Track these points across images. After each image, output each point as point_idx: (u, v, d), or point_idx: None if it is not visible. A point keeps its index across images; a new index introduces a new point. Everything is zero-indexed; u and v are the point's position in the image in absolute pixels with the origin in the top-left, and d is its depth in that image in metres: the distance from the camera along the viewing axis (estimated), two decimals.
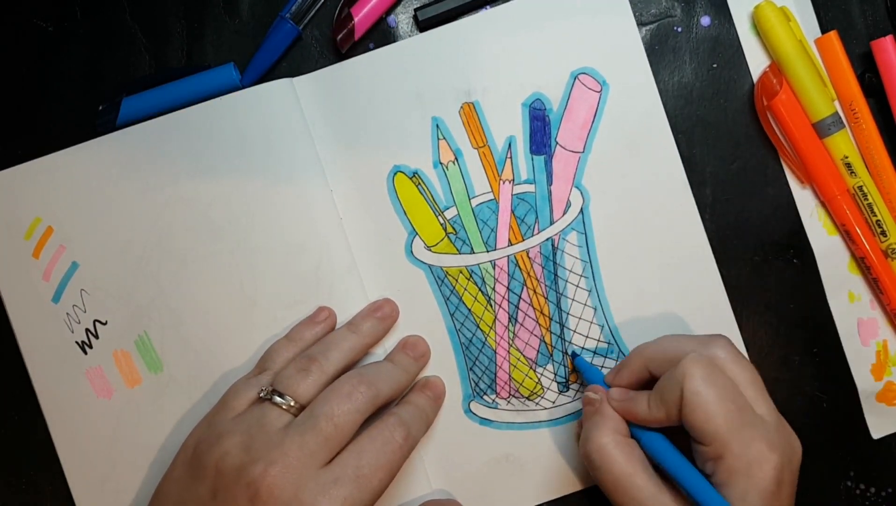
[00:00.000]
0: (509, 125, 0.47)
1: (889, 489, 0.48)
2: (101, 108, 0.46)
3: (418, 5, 0.47)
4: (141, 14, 0.47)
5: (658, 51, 0.47)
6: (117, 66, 0.47)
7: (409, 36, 0.47)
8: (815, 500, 0.48)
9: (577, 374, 0.47)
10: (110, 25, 0.48)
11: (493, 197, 0.47)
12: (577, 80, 0.46)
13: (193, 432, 0.43)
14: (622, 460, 0.40)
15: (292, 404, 0.41)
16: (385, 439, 0.41)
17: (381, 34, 0.47)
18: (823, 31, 0.47)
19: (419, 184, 0.47)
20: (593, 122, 0.46)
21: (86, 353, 0.47)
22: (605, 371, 0.46)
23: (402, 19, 0.47)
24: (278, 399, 0.41)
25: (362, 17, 0.46)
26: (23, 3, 0.47)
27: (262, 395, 0.41)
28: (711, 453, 0.38)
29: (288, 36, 0.46)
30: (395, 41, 0.47)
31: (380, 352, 0.46)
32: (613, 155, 0.46)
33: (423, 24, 0.46)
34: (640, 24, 0.47)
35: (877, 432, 0.48)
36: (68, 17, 0.48)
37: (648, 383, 0.42)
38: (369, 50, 0.47)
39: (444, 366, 0.47)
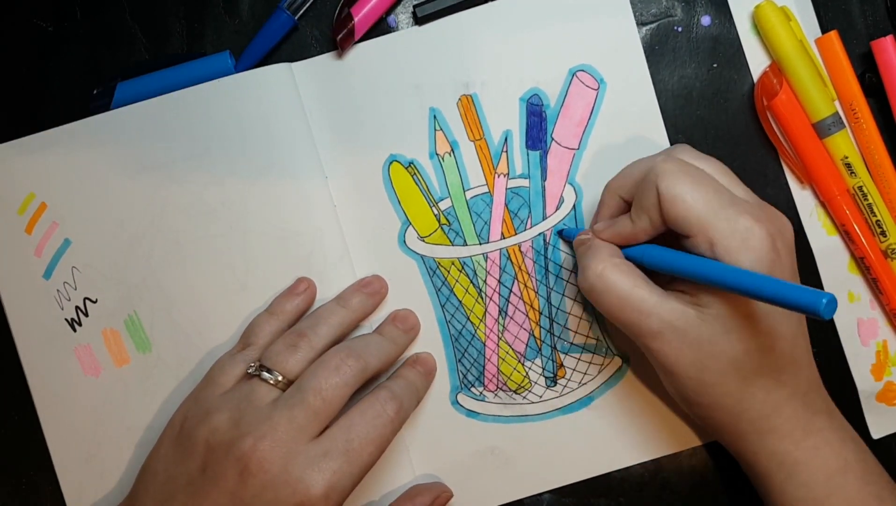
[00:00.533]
0: (506, 119, 0.47)
1: None
2: (95, 91, 0.46)
3: (418, 3, 0.47)
4: (141, 14, 0.48)
5: (658, 51, 0.47)
6: (117, 66, 0.47)
7: None
8: None
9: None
10: (110, 25, 0.48)
11: (487, 190, 0.47)
12: (575, 77, 0.47)
13: (180, 409, 0.42)
14: (621, 278, 0.39)
15: (280, 379, 0.41)
16: (376, 413, 0.41)
17: (381, 34, 0.47)
18: (823, 31, 0.47)
19: (415, 174, 0.47)
20: (589, 119, 0.47)
21: (75, 330, 0.46)
22: (593, 366, 0.46)
23: (402, 19, 0.47)
24: (266, 375, 0.41)
25: (362, 17, 0.46)
26: (23, 3, 0.47)
27: (250, 371, 0.41)
28: (703, 242, 0.38)
29: (284, 26, 0.46)
30: None
31: (368, 326, 0.46)
32: (608, 153, 0.46)
33: (421, 21, 0.46)
34: (640, 23, 0.47)
35: (877, 432, 0.48)
36: (68, 16, 0.48)
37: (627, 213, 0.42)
38: None
39: (433, 356, 0.47)
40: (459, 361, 0.47)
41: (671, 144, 0.47)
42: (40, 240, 0.46)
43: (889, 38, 0.45)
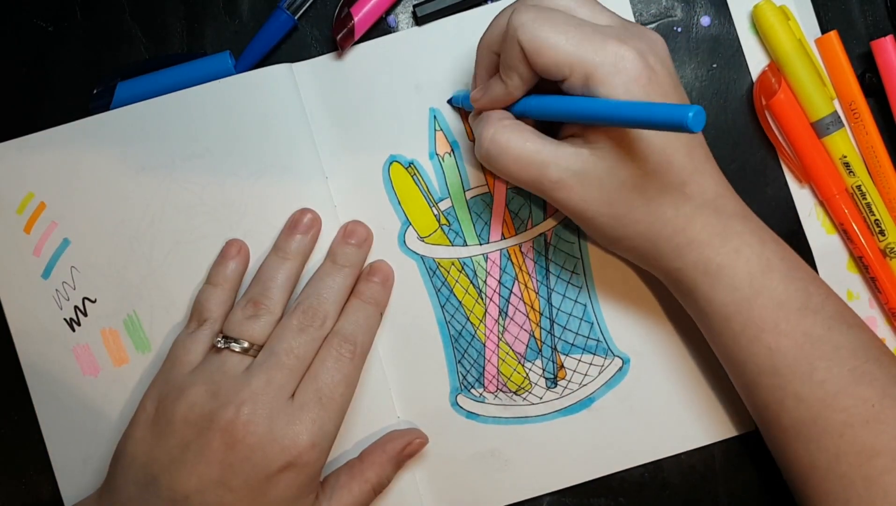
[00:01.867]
0: None
1: None
2: (95, 91, 0.46)
3: (418, 3, 0.47)
4: (141, 14, 0.48)
5: None
6: (117, 66, 0.47)
7: None
8: None
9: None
10: (110, 25, 0.48)
11: (487, 190, 0.47)
12: None
13: (149, 392, 0.43)
14: (513, 137, 0.39)
15: (248, 346, 0.41)
16: (334, 358, 0.42)
17: (380, 34, 0.47)
18: (823, 31, 0.47)
19: (415, 174, 0.47)
20: None
21: (74, 330, 0.46)
22: (594, 367, 0.46)
23: (402, 19, 0.47)
24: (235, 345, 0.41)
25: (362, 16, 0.46)
26: (23, 3, 0.48)
27: (218, 344, 0.42)
28: (577, 81, 0.37)
29: (284, 26, 0.46)
30: None
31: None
32: None
33: (421, 21, 0.46)
34: (640, 24, 0.47)
35: None
36: (68, 17, 0.48)
37: None
38: None
39: (432, 358, 0.47)
40: (459, 362, 0.47)
41: None
42: (39, 239, 0.46)
43: (889, 38, 0.45)
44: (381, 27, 0.47)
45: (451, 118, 0.47)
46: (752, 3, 0.46)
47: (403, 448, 0.45)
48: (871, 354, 0.39)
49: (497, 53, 0.40)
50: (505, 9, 0.40)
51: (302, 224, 0.45)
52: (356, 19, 0.46)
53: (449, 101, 0.46)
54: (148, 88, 0.46)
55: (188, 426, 0.40)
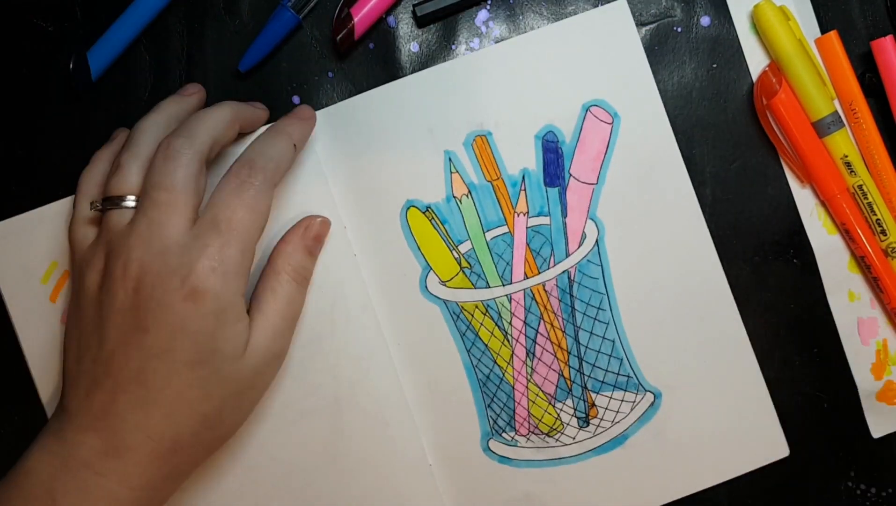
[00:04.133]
0: (523, 158, 0.46)
1: (889, 489, 0.48)
2: (71, 67, 0.46)
3: (417, 2, 0.47)
4: None
5: (658, 51, 0.47)
6: (117, 66, 0.47)
7: (409, 35, 0.47)
8: (815, 500, 0.48)
9: (595, 408, 0.47)
10: (110, 25, 0.47)
11: (507, 230, 0.46)
12: (588, 112, 0.46)
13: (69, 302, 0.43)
14: None
15: (117, 196, 0.40)
16: (232, 185, 0.40)
17: (380, 34, 0.47)
18: (823, 31, 0.47)
19: (433, 218, 0.46)
20: (606, 153, 0.46)
21: None
22: (625, 404, 0.46)
23: (402, 19, 0.47)
24: (108, 204, 0.40)
25: (362, 16, 0.46)
26: (23, 3, 0.47)
27: (97, 209, 0.41)
28: None
29: (287, 24, 0.46)
30: (395, 41, 0.47)
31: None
32: (627, 186, 0.46)
33: (421, 20, 0.46)
34: (640, 24, 0.47)
35: (877, 431, 0.48)
36: (68, 17, 0.48)
37: None
38: (369, 50, 0.47)
39: (461, 403, 0.47)
40: (489, 406, 0.47)
41: (686, 169, 0.46)
42: (65, 307, 0.46)
43: (889, 38, 0.45)
44: (381, 27, 0.47)
45: (465, 159, 0.46)
46: (751, 3, 0.46)
47: (303, 232, 0.44)
48: None
49: None
50: None
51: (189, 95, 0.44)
52: (356, 19, 0.45)
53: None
54: (118, 40, 0.46)
55: (98, 290, 0.40)
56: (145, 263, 0.38)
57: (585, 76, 0.46)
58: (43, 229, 0.46)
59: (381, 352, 0.46)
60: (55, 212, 0.46)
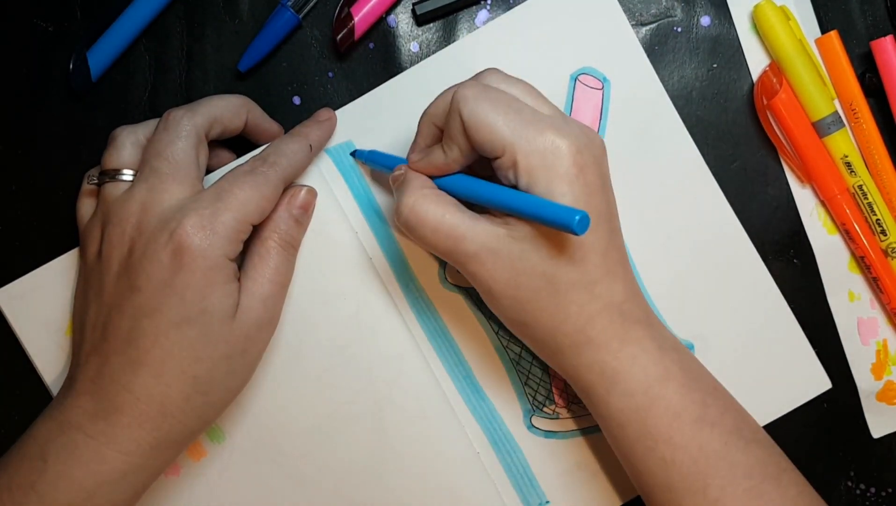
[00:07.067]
0: None
1: (889, 489, 0.48)
2: (71, 68, 0.46)
3: (417, 1, 0.47)
4: None
5: (658, 51, 0.47)
6: (117, 66, 0.47)
7: (409, 35, 0.47)
8: None
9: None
10: (110, 25, 0.47)
11: None
12: (577, 81, 0.46)
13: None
14: (432, 207, 0.39)
15: (113, 170, 0.41)
16: (241, 168, 0.41)
17: (380, 34, 0.47)
18: (823, 31, 0.47)
19: None
20: (601, 118, 0.46)
21: None
22: None
23: (402, 19, 0.47)
24: (105, 177, 0.41)
25: (362, 16, 0.46)
26: (23, 3, 0.47)
27: (94, 183, 0.42)
28: (507, 162, 0.37)
29: (287, 24, 0.46)
30: (395, 41, 0.47)
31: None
32: (627, 145, 0.46)
33: (420, 19, 0.46)
34: (640, 24, 0.47)
35: (877, 431, 0.48)
36: (68, 17, 0.48)
37: None
38: (369, 50, 0.47)
39: (499, 386, 0.47)
40: (525, 383, 0.47)
41: (685, 124, 0.46)
42: None
43: (889, 38, 0.45)
44: (381, 27, 0.47)
45: None
46: (752, 3, 0.46)
47: (288, 200, 0.43)
48: (768, 471, 0.39)
49: (437, 126, 0.40)
50: (453, 85, 0.40)
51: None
52: (356, 19, 0.46)
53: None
54: (118, 40, 0.46)
55: (97, 259, 0.41)
56: (141, 225, 0.39)
57: (571, 47, 0.46)
58: (64, 280, 0.46)
59: (411, 349, 0.46)
60: (65, 266, 0.46)
